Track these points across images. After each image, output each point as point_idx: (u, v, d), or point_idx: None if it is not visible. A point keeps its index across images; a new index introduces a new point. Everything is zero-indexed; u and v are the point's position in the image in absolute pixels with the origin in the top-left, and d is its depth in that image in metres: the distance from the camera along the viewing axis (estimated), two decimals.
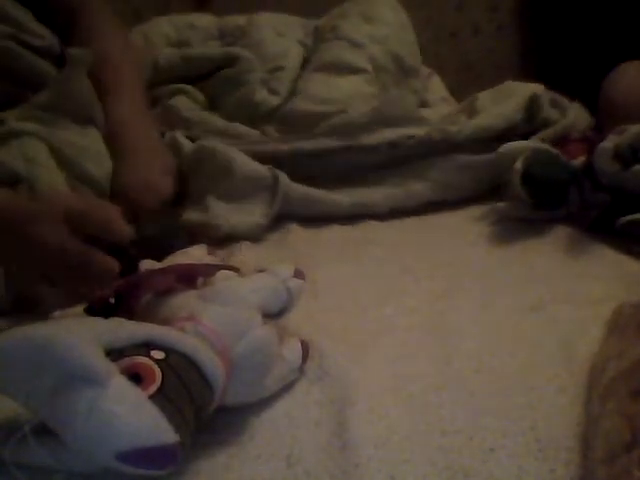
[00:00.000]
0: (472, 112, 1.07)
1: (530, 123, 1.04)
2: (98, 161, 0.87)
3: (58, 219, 0.62)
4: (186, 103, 1.10)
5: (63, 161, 0.84)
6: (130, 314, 0.56)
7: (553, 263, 0.80)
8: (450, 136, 0.99)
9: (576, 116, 1.06)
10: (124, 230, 0.63)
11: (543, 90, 1.08)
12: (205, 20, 1.28)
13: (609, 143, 0.84)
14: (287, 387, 0.56)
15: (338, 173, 1.02)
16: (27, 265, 0.65)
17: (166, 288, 0.58)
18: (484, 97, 1.11)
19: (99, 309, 0.58)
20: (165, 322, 0.51)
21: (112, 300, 0.59)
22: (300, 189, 0.93)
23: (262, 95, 1.08)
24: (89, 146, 0.88)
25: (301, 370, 0.56)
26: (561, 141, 0.99)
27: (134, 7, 1.91)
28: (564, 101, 1.09)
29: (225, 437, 0.50)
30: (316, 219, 0.94)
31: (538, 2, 2.24)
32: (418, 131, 0.99)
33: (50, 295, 0.64)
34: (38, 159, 0.82)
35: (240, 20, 1.25)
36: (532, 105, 1.04)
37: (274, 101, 1.08)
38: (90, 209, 0.65)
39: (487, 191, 1.00)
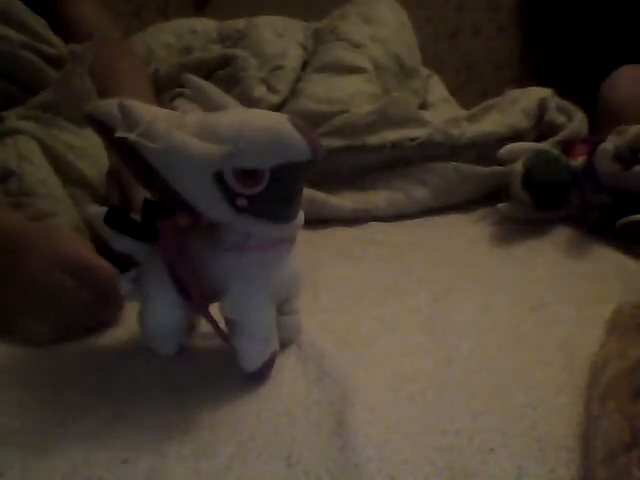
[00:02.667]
0: (477, 119, 1.07)
1: (536, 127, 1.05)
2: (93, 162, 0.87)
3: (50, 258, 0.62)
4: (188, 104, 1.10)
5: (56, 160, 0.84)
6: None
7: (553, 263, 0.80)
8: (452, 139, 1.00)
9: (581, 121, 1.07)
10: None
11: (551, 94, 1.08)
12: (205, 24, 1.28)
13: (609, 144, 0.84)
14: (287, 387, 0.56)
15: (341, 174, 1.02)
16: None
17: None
18: (491, 105, 1.11)
19: (121, 218, 0.58)
20: None
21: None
22: (304, 191, 0.93)
23: (261, 92, 1.08)
24: (85, 147, 0.88)
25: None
26: (565, 143, 0.99)
27: (134, 8, 1.92)
28: (570, 106, 1.10)
29: (225, 437, 0.50)
30: (317, 220, 0.94)
31: (538, 2, 2.24)
32: (421, 132, 1.00)
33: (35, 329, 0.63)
34: (30, 156, 0.82)
35: (240, 23, 1.25)
36: (539, 111, 1.05)
37: (274, 99, 1.08)
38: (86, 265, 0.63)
39: (490, 193, 1.00)
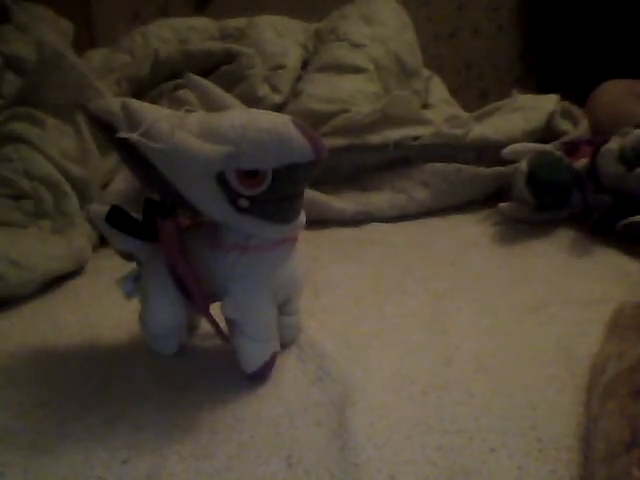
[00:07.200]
0: (480, 121, 1.07)
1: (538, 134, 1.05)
2: (88, 166, 0.89)
3: None
4: (191, 96, 1.10)
5: (53, 164, 0.86)
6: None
7: (554, 264, 0.80)
8: (454, 139, 1.00)
9: (586, 126, 1.07)
10: None
11: (556, 103, 1.08)
12: (205, 22, 1.28)
13: (613, 145, 0.84)
14: (287, 387, 0.56)
15: (342, 174, 1.02)
16: None
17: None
18: (496, 107, 1.11)
19: (122, 218, 0.58)
20: None
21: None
22: (306, 193, 0.94)
23: (264, 91, 1.08)
24: (72, 146, 0.89)
25: None
26: (569, 144, 0.99)
27: (134, 8, 1.92)
28: (576, 111, 1.10)
29: (225, 437, 0.50)
30: (318, 220, 0.94)
31: (538, 2, 2.24)
32: (423, 132, 1.00)
33: None
34: (39, 174, 0.84)
35: (240, 22, 1.25)
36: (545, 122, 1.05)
37: (276, 99, 1.08)
38: None
39: (490, 194, 1.01)
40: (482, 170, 0.99)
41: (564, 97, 1.11)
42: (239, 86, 1.10)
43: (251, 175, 0.50)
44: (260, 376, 0.56)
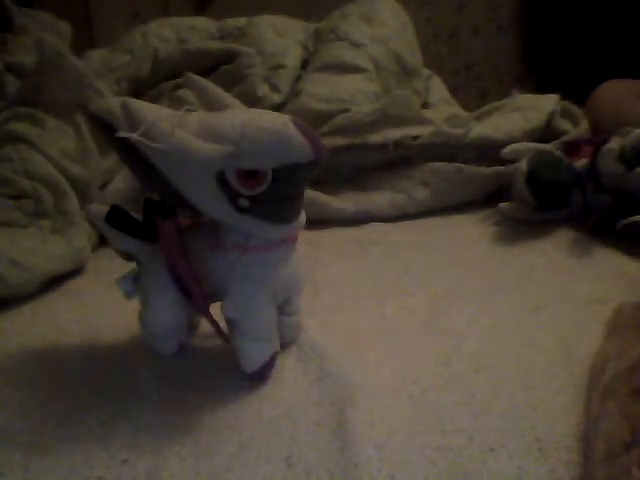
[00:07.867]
0: (480, 120, 1.07)
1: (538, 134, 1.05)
2: (83, 161, 0.89)
3: None
4: (191, 96, 1.10)
5: (52, 164, 0.86)
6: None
7: (554, 264, 0.80)
8: (454, 139, 1.00)
9: (586, 126, 1.07)
10: None
11: (556, 103, 1.08)
12: (205, 22, 1.28)
13: (614, 145, 0.85)
14: (287, 387, 0.56)
15: (342, 173, 1.02)
16: None
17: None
18: (496, 107, 1.11)
19: (122, 218, 0.58)
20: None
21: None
22: (307, 193, 0.94)
23: (264, 91, 1.08)
24: (72, 146, 0.89)
25: None
26: (569, 144, 0.99)
27: (134, 8, 1.92)
28: (576, 111, 1.10)
29: (225, 437, 0.50)
30: (318, 219, 0.94)
31: (538, 2, 2.24)
32: (423, 131, 1.00)
33: None
34: (38, 174, 0.84)
35: (240, 21, 1.25)
36: (546, 122, 1.05)
37: (276, 99, 1.08)
38: None
39: (490, 193, 1.01)
40: (482, 170, 0.99)
41: (564, 97, 1.11)
42: (239, 86, 1.10)
43: (251, 175, 0.50)
44: (260, 376, 0.56)
